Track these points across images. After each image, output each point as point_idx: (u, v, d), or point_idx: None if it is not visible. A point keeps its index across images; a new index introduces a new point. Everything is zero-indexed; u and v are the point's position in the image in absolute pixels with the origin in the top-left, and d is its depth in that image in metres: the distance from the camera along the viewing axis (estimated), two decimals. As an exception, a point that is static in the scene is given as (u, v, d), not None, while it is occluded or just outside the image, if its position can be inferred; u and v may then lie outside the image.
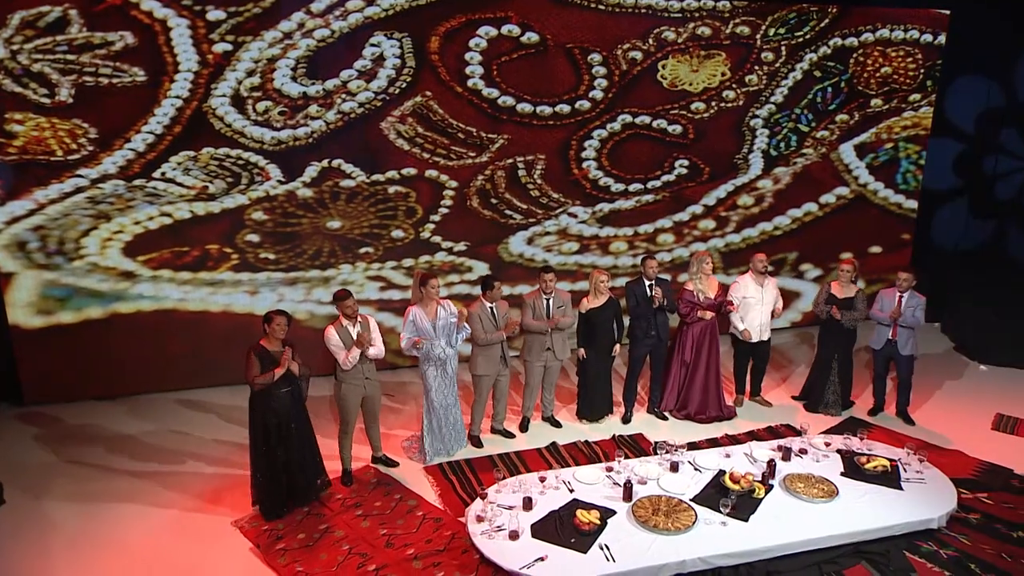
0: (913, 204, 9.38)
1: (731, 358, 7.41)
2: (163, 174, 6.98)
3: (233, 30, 6.81)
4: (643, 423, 6.99)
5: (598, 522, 5.08)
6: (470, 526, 5.15)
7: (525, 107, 7.75)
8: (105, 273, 7.09)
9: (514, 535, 5.00)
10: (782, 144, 8.68)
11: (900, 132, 9.05)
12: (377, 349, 5.83)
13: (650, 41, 7.91)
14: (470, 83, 7.54)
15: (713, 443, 6.53)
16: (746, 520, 5.21)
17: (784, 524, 5.20)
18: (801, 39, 8.38)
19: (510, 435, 6.72)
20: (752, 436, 6.68)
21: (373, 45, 7.20)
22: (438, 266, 8.00)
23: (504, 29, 7.47)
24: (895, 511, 5.34)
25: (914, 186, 9.33)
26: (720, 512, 5.23)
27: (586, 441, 6.61)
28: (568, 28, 7.63)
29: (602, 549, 4.91)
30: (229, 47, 6.84)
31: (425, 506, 5.67)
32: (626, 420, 7.00)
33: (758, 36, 8.23)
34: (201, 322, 7.43)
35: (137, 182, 6.94)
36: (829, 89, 8.67)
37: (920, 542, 5.23)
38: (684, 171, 8.42)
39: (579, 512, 5.15)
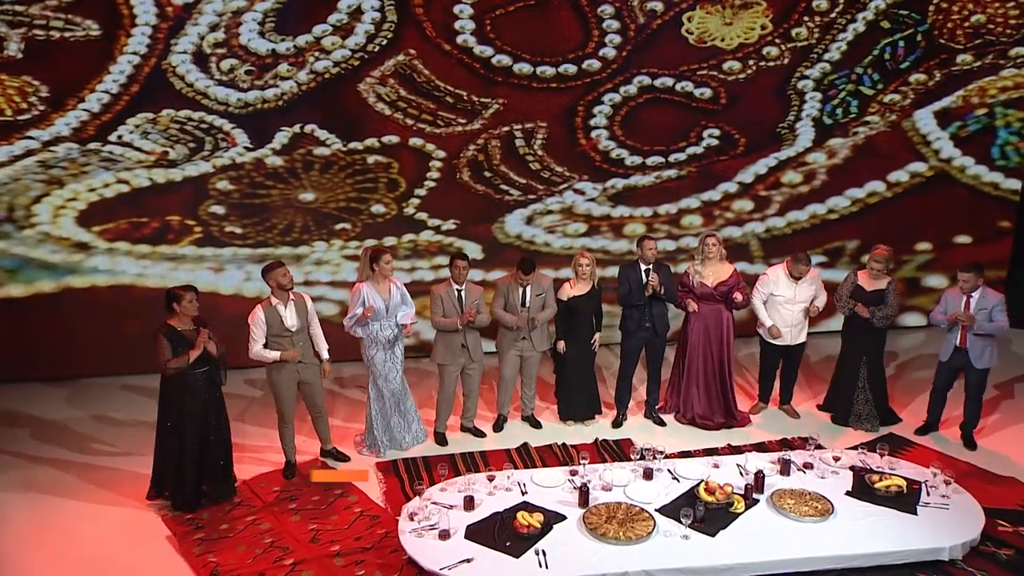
0: (1015, 184, 9.26)
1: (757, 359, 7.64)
2: (120, 137, 7.79)
3: (195, -20, 7.56)
4: (637, 428, 7.30)
5: (538, 526, 5.47)
6: (401, 523, 5.64)
7: (523, 67, 8.17)
8: (58, 244, 7.97)
9: (444, 535, 5.45)
10: (839, 111, 8.77)
11: (997, 95, 8.95)
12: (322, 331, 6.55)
13: (673, -11, 8.21)
14: (460, 40, 8.02)
15: (712, 453, 6.78)
16: (713, 535, 5.46)
17: (758, 542, 5.42)
18: (864, -16, 8.47)
19: (480, 434, 7.18)
20: (760, 448, 6.89)
21: (349, -4, 7.80)
22: (424, 246, 8.54)
23: (499, -23, 7.93)
24: (898, 537, 5.46)
25: (1016, 162, 9.21)
26: (681, 524, 5.53)
27: (562, 444, 6.99)
28: (574, -25, 8.03)
29: (537, 555, 5.30)
30: (190, -1, 7.59)
31: (364, 503, 6.21)
32: (617, 424, 7.33)
33: (808, -18, 8.39)
34: (160, 300, 8.12)
35: (92, 146, 7.77)
36: (901, 43, 8.68)
37: (923, 575, 5.36)
38: (714, 142, 8.65)
39: (520, 514, 5.55)
